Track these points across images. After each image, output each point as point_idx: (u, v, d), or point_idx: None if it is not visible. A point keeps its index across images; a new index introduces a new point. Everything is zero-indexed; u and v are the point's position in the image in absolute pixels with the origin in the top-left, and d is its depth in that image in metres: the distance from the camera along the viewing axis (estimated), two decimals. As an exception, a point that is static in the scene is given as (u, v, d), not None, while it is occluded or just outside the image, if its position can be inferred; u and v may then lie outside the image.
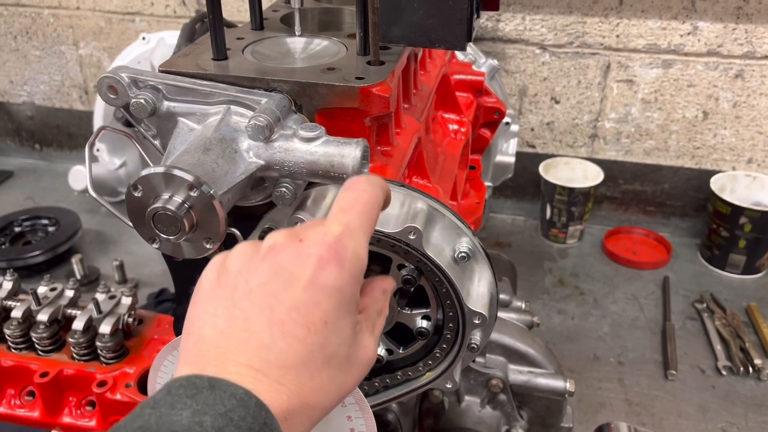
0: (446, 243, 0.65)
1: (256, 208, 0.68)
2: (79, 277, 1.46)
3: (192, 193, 0.53)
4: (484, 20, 1.54)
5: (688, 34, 1.46)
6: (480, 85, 1.08)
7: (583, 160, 1.64)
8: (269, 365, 0.42)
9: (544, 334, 1.35)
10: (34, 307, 1.18)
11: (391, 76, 0.64)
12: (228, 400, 0.38)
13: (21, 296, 1.24)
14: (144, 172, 0.53)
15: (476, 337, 0.68)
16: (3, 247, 1.58)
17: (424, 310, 0.68)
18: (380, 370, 0.73)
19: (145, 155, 0.68)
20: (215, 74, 0.64)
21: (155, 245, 0.57)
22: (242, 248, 0.48)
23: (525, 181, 1.72)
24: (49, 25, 1.87)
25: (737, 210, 1.45)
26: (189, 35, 1.05)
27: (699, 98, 1.53)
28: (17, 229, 1.63)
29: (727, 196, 1.49)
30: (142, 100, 0.61)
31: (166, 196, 0.54)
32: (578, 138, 1.65)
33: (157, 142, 0.65)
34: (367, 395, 0.74)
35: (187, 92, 0.63)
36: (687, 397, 1.20)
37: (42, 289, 1.22)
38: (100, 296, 1.21)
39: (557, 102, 1.61)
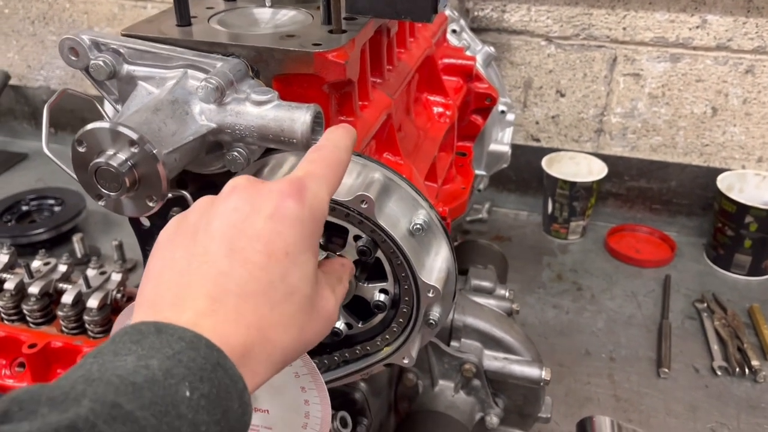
0: (402, 215, 0.64)
1: (218, 176, 0.68)
2: (79, 255, 1.48)
3: (134, 150, 0.53)
4: (489, 10, 1.53)
5: (697, 27, 1.43)
6: (470, 70, 1.07)
7: (588, 155, 1.62)
8: (227, 293, 0.40)
9: (536, 327, 1.33)
10: (26, 279, 1.20)
11: (350, 43, 0.63)
12: (176, 343, 0.37)
13: (16, 270, 1.27)
14: (89, 127, 0.54)
15: (435, 312, 0.67)
16: (9, 224, 1.61)
17: (381, 284, 0.67)
18: (339, 344, 0.72)
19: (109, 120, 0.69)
20: (175, 39, 0.64)
21: (101, 203, 0.57)
22: (202, 199, 0.48)
23: (529, 175, 1.69)
24: (65, 10, 1.90)
25: (743, 208, 1.41)
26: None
27: (708, 94, 1.49)
28: (24, 208, 1.67)
29: (735, 195, 1.45)
30: (101, 62, 0.62)
31: (110, 152, 0.54)
32: (584, 132, 1.62)
33: (119, 106, 0.66)
34: (328, 369, 0.74)
35: (147, 56, 0.63)
36: (678, 396, 1.17)
37: (36, 264, 1.25)
38: (91, 272, 1.22)
39: (562, 95, 1.59)
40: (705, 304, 1.39)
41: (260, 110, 0.59)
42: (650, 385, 1.20)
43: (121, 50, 0.63)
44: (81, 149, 0.54)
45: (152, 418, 0.33)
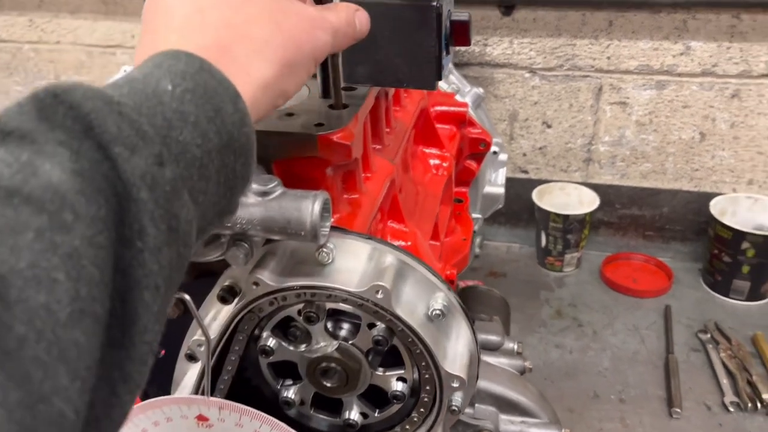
0: (419, 300, 0.60)
1: (216, 264, 0.63)
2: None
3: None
4: (471, 46, 1.50)
5: (681, 54, 1.42)
6: (463, 117, 1.04)
7: (578, 185, 1.59)
8: (187, 15, 0.40)
9: (541, 370, 1.29)
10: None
11: (354, 121, 0.59)
12: (156, 57, 0.36)
13: None
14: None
15: (457, 398, 0.63)
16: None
17: (398, 372, 0.63)
18: (355, 435, 0.67)
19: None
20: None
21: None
22: None
23: (518, 207, 1.66)
24: (29, 60, 1.83)
25: (739, 235, 1.39)
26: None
27: (695, 119, 1.48)
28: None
29: (728, 220, 1.43)
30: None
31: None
32: (572, 162, 1.60)
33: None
34: (343, 461, 0.69)
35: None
36: (693, 437, 1.14)
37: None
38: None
39: (549, 126, 1.56)
40: (708, 335, 1.36)
41: (263, 201, 0.54)
42: (663, 426, 1.16)
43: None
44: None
45: (131, 102, 0.32)
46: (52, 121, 0.29)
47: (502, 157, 1.24)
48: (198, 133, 0.34)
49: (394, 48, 0.63)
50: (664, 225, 1.60)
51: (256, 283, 0.58)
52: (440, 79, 0.64)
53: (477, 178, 1.19)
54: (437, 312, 0.59)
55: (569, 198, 1.59)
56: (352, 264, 0.58)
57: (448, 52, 0.64)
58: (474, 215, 1.22)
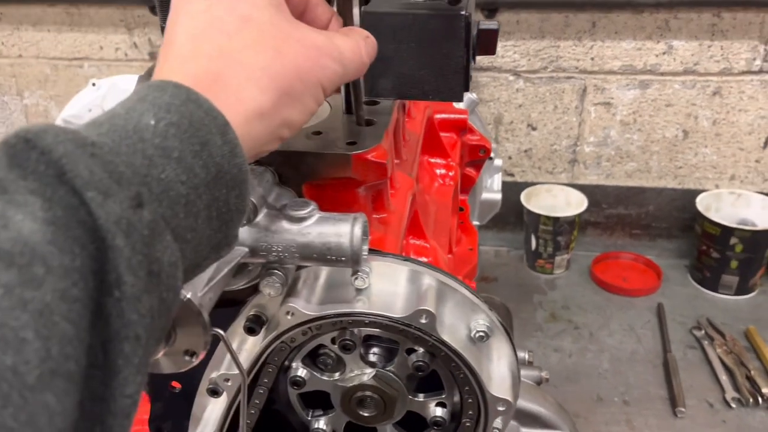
0: (460, 321, 0.57)
1: (239, 292, 0.59)
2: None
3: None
4: (455, 49, 1.48)
5: (664, 53, 1.43)
6: (464, 124, 1.01)
7: (565, 186, 1.59)
8: (177, 41, 0.39)
9: (542, 375, 1.28)
10: None
11: (385, 138, 0.56)
12: (142, 90, 0.35)
13: None
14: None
15: (499, 422, 0.60)
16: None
17: (438, 397, 0.60)
18: (391, 463, 0.64)
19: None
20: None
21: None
22: None
23: (506, 210, 1.65)
24: (-10, 75, 1.75)
25: (727, 231, 1.41)
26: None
27: (678, 117, 1.49)
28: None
29: (712, 215, 1.45)
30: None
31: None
32: (557, 164, 1.60)
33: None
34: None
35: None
36: (700, 435, 1.14)
37: None
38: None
39: (534, 128, 1.56)
40: (702, 331, 1.37)
41: (300, 227, 0.50)
42: (670, 426, 1.16)
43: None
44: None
45: (108, 141, 0.31)
46: (24, 168, 0.28)
47: (498, 162, 1.22)
48: (182, 169, 0.33)
49: (420, 59, 0.60)
50: (650, 223, 1.61)
51: (290, 313, 0.55)
52: (467, 90, 0.61)
53: (475, 186, 1.17)
54: (481, 334, 0.56)
55: (556, 200, 1.59)
56: (390, 287, 0.56)
57: (474, 62, 0.62)
58: (473, 223, 1.20)
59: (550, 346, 1.36)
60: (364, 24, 0.55)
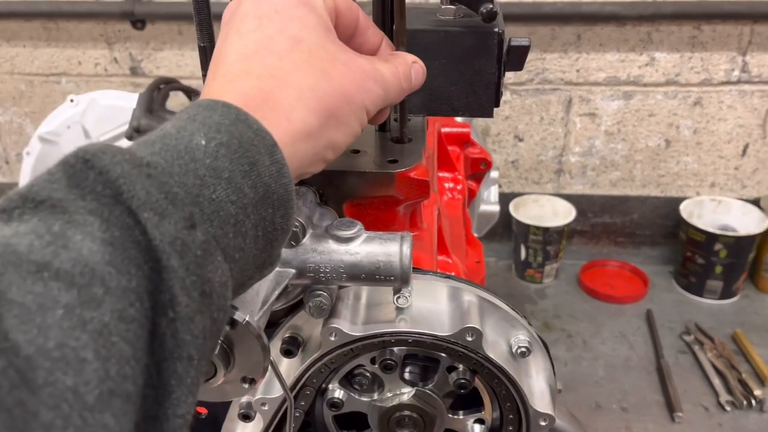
0: (500, 337, 0.57)
1: (274, 313, 0.58)
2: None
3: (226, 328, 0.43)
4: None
5: (646, 65, 1.46)
6: (467, 138, 1.02)
7: (551, 196, 1.61)
8: (227, 61, 0.39)
9: (540, 385, 1.29)
10: None
11: (424, 155, 0.56)
12: (192, 109, 0.35)
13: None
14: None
15: (535, 436, 0.60)
16: None
17: (477, 414, 0.60)
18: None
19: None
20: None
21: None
22: None
23: (493, 221, 1.67)
24: (-39, 91, 1.69)
25: (712, 237, 1.44)
26: (148, 105, 0.95)
27: (660, 127, 1.53)
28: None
29: (695, 222, 1.48)
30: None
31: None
32: (544, 174, 1.62)
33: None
34: None
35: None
36: (698, 440, 1.16)
37: None
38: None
39: (521, 140, 1.58)
40: (692, 336, 1.40)
41: (348, 247, 0.50)
42: (669, 431, 1.18)
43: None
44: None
45: (162, 161, 0.31)
46: (83, 188, 0.29)
47: (494, 174, 1.23)
48: (232, 189, 0.33)
49: (451, 75, 0.60)
50: (635, 231, 1.65)
51: (333, 334, 0.54)
52: (498, 105, 0.62)
53: (474, 198, 1.17)
54: (523, 349, 0.56)
55: (543, 210, 1.61)
56: (432, 306, 0.55)
57: (503, 77, 0.62)
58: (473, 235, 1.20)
59: (546, 356, 1.37)
60: (397, 41, 0.54)
